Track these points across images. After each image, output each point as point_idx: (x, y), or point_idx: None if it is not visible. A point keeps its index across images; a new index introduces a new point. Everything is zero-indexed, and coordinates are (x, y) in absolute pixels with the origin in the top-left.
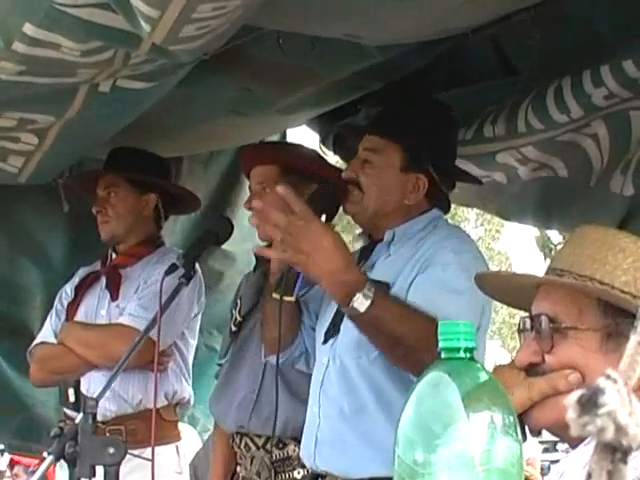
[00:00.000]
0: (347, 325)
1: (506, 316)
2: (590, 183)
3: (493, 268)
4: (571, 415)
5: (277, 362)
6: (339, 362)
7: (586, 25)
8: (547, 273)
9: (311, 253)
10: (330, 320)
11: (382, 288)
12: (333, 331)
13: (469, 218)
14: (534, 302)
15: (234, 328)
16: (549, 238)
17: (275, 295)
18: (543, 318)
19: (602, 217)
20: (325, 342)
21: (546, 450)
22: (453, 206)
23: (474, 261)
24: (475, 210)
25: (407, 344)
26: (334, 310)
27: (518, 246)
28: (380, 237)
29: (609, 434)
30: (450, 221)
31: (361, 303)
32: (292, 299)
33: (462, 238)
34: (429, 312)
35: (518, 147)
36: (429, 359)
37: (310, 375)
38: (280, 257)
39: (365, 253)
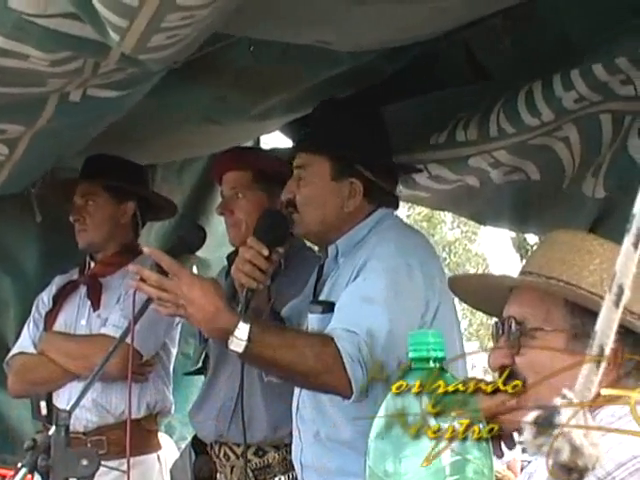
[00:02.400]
0: None
1: (484, 317)
2: (562, 186)
3: (470, 270)
4: (526, 436)
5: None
6: None
7: (556, 29)
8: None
9: (186, 306)
10: None
11: (262, 323)
12: None
13: (445, 220)
14: (506, 306)
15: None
16: (525, 239)
17: None
18: (511, 321)
19: (575, 220)
20: None
21: (525, 450)
22: (428, 209)
23: (405, 265)
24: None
25: (300, 370)
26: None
27: (495, 248)
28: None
29: (564, 455)
30: (426, 224)
31: (237, 345)
32: None
33: (397, 242)
34: (346, 326)
35: (490, 151)
36: (332, 380)
37: None
38: (167, 313)
39: (319, 271)
